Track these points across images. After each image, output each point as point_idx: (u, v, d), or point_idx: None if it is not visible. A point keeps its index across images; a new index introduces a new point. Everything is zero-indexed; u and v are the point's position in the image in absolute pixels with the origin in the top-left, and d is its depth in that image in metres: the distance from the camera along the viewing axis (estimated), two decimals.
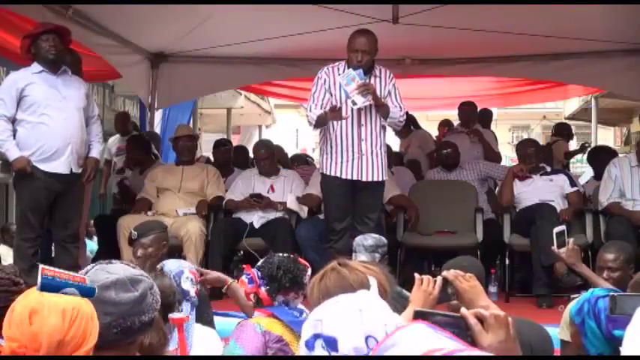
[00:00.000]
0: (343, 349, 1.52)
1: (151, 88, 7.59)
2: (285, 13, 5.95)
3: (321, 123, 4.98)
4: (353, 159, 4.98)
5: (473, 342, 1.53)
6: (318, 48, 6.68)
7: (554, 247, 3.75)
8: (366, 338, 1.52)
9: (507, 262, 5.74)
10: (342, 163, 5.00)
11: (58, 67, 4.92)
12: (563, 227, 3.86)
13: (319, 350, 1.54)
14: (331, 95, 5.00)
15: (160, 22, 6.35)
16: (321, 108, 4.97)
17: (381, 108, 4.94)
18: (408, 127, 8.41)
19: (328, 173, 5.07)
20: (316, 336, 1.56)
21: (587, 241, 5.45)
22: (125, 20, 6.24)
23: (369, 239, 4.49)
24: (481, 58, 7.57)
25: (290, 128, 21.56)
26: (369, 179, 5.00)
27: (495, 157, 7.18)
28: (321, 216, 5.78)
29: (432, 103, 10.04)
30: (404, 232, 5.92)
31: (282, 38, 6.55)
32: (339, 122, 4.97)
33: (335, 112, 4.84)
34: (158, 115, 8.27)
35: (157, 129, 8.35)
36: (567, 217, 5.63)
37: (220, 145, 7.37)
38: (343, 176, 5.00)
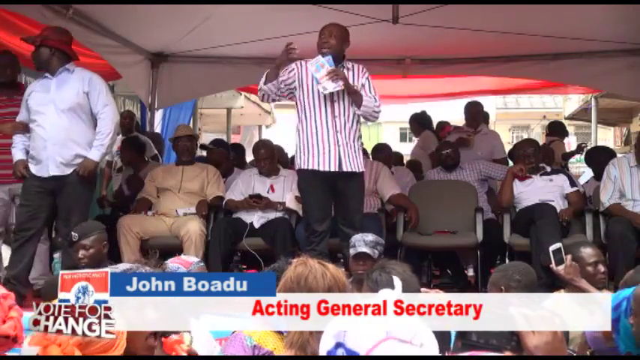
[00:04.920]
0: None
1: (151, 88, 7.60)
2: (285, 13, 5.96)
3: (270, 77, 4.91)
4: (330, 150, 4.89)
5: (519, 342, 1.54)
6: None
7: (552, 265, 3.78)
8: None
9: (507, 262, 5.74)
10: (319, 155, 4.90)
11: (56, 68, 4.96)
12: (559, 245, 3.91)
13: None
14: (298, 86, 4.95)
15: (160, 22, 6.36)
16: (278, 89, 4.97)
17: (353, 95, 4.87)
18: (423, 126, 8.44)
19: (306, 167, 4.96)
20: (338, 345, 1.57)
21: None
22: (125, 20, 6.25)
23: (369, 235, 4.52)
24: (481, 58, 7.57)
25: (290, 128, 21.57)
26: (349, 169, 4.90)
27: (499, 162, 7.04)
28: None
29: (430, 97, 10.01)
30: (404, 232, 5.92)
31: (283, 38, 6.53)
32: (313, 115, 4.91)
33: (282, 54, 4.87)
34: (158, 115, 8.27)
35: (157, 129, 8.36)
36: (567, 217, 5.63)
37: (217, 145, 7.37)
38: (321, 168, 4.90)
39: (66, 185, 4.96)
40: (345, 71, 4.94)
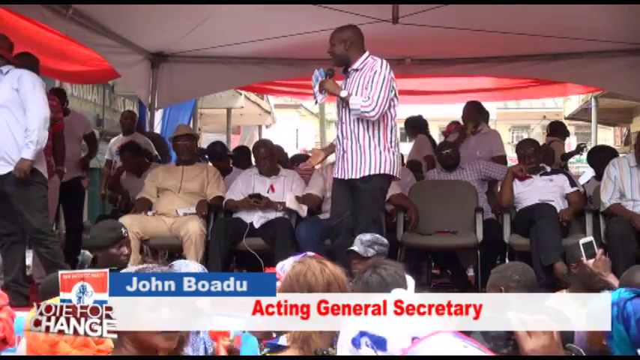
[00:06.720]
0: (392, 349, 1.55)
1: (150, 88, 7.59)
2: (285, 13, 5.95)
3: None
4: (338, 157, 5.01)
5: (515, 346, 1.55)
6: (318, 48, 6.67)
7: (584, 259, 3.78)
8: (412, 339, 1.56)
9: (507, 262, 5.74)
10: (336, 163, 5.07)
11: None
12: (590, 238, 3.91)
13: (364, 348, 1.58)
14: None
15: (160, 22, 6.35)
16: None
17: (341, 100, 4.94)
18: (417, 129, 8.51)
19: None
20: (362, 333, 1.59)
21: None
22: (125, 20, 6.25)
23: (367, 235, 4.52)
24: (481, 58, 7.57)
25: (290, 128, 21.60)
26: (349, 177, 4.92)
27: (498, 160, 7.06)
28: (322, 216, 5.79)
29: (429, 98, 10.00)
30: (404, 232, 5.92)
31: (282, 38, 6.55)
32: (335, 125, 5.09)
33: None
34: (158, 115, 8.27)
35: (157, 129, 8.35)
36: (567, 217, 5.63)
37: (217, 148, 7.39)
38: (335, 175, 5.03)
39: (10, 187, 4.89)
40: (358, 72, 4.92)
